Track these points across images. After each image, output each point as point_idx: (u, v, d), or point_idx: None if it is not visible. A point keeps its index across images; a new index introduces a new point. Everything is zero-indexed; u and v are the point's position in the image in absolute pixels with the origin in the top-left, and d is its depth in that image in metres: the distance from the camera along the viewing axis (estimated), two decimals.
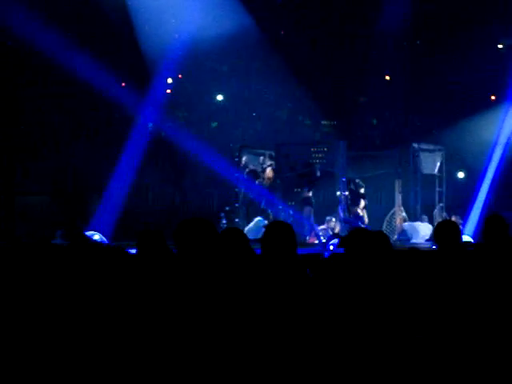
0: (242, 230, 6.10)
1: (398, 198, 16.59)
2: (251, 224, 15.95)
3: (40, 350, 3.72)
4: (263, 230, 4.93)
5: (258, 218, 16.02)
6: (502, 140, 17.57)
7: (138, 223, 15.23)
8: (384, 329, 4.23)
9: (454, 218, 15.34)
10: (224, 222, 16.17)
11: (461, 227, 5.96)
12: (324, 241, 14.55)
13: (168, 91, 17.68)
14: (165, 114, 17.42)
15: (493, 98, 18.24)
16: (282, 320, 4.09)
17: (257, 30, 17.17)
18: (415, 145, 17.02)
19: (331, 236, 14.36)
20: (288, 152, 16.60)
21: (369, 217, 16.59)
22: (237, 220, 16.44)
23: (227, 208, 16.64)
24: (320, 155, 16.42)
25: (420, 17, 17.37)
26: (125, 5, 16.24)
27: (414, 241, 15.62)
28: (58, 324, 3.80)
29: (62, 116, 17.06)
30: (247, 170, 16.83)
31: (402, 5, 17.17)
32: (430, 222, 16.25)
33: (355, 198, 16.58)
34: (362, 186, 16.75)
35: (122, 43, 16.58)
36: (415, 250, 7.21)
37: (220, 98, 18.84)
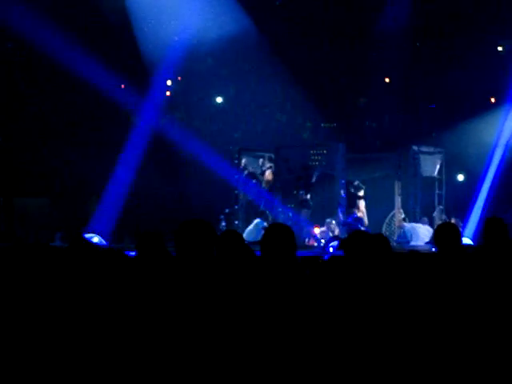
0: (240, 234, 6.09)
1: (398, 200, 16.57)
2: (251, 226, 15.93)
3: (39, 352, 3.72)
4: (262, 231, 4.93)
5: (257, 220, 16.00)
6: (502, 142, 17.56)
7: (137, 225, 15.21)
8: (384, 331, 4.23)
9: (453, 221, 15.33)
10: (223, 224, 16.15)
11: (461, 230, 5.95)
12: (323, 243, 14.53)
13: (167, 93, 17.70)
14: (164, 116, 17.43)
15: (492, 100, 18.24)
16: (282, 322, 4.09)
17: (256, 32, 17.19)
18: (415, 147, 16.99)
19: (331, 238, 14.34)
20: (287, 154, 16.58)
21: (368, 219, 16.56)
22: (236, 222, 16.43)
23: (227, 210, 16.62)
24: (319, 158, 16.41)
25: (420, 19, 17.39)
26: (124, 7, 16.27)
27: (413, 243, 15.60)
28: (57, 326, 3.79)
29: (61, 118, 17.08)
30: (246, 172, 16.82)
31: (401, 7, 17.19)
32: (430, 224, 16.23)
33: (355, 201, 16.56)
34: (362, 189, 16.73)
35: (121, 45, 16.61)
36: (415, 253, 7.21)
37: (219, 100, 18.85)
